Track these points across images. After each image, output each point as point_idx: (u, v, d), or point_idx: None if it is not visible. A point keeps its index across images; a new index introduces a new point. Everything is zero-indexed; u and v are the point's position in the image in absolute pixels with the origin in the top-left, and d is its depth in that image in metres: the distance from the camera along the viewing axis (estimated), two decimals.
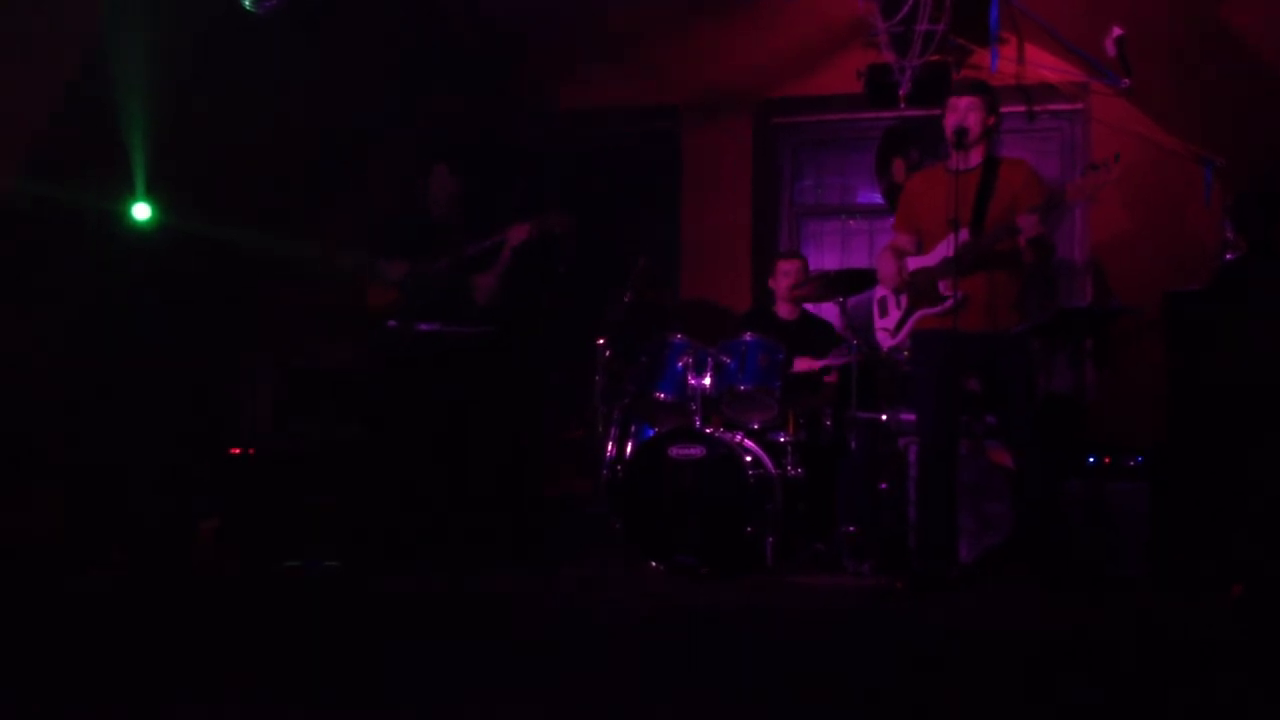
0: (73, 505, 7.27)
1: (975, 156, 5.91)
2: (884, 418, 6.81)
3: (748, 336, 6.98)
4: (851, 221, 8.76)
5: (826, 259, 8.61)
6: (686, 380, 6.89)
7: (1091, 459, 6.43)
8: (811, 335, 7.44)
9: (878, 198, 8.34)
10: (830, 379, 7.31)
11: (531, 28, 8.31)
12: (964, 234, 5.67)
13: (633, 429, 7.26)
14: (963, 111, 5.87)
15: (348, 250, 7.08)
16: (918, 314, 5.97)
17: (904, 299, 6.04)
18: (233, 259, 7.91)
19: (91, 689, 3.95)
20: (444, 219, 7.15)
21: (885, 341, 6.23)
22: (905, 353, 6.35)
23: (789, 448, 6.88)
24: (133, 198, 7.34)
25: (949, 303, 5.76)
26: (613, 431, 7.17)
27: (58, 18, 6.59)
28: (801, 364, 7.22)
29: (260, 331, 8.48)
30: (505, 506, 7.19)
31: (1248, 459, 5.79)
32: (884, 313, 6.21)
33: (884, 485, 6.73)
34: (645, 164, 8.90)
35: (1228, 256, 6.67)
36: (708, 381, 6.86)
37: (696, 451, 6.66)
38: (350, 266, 7.10)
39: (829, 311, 7.75)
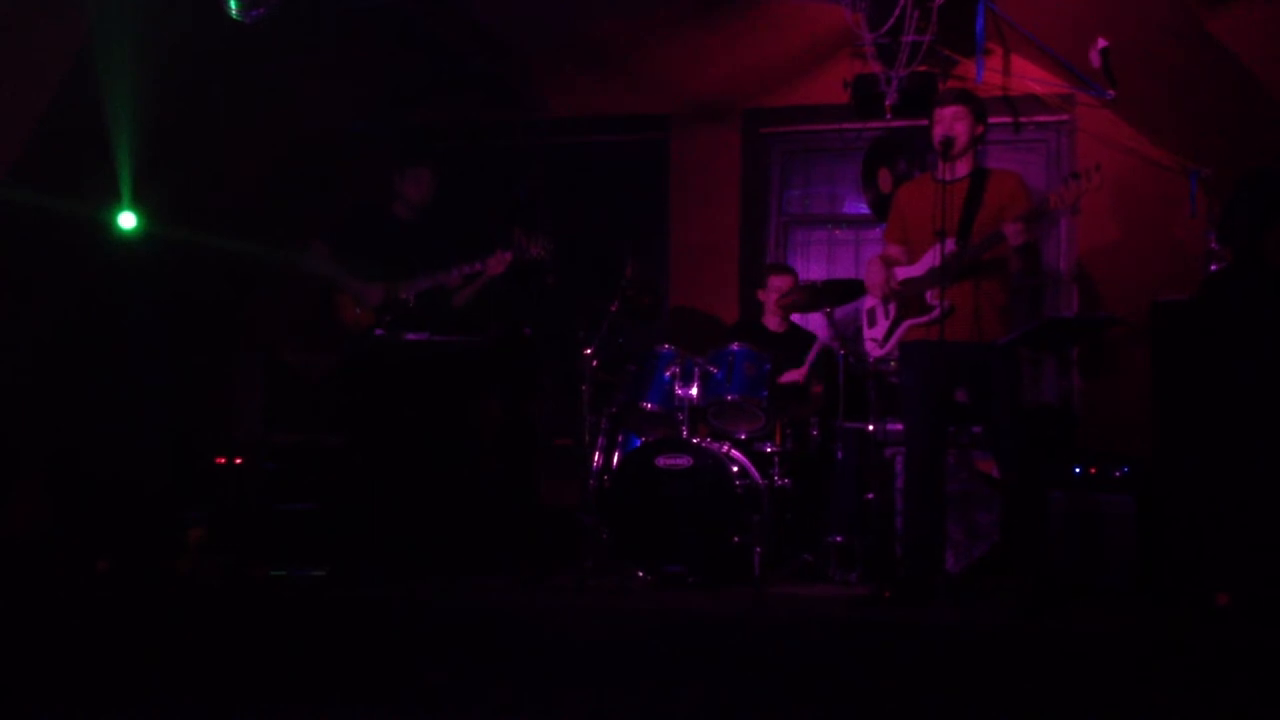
0: (59, 511, 7.25)
1: (963, 167, 5.92)
2: (870, 428, 6.82)
3: (735, 347, 6.97)
4: (838, 231, 8.76)
5: (813, 269, 8.61)
6: (674, 390, 6.89)
7: (1077, 469, 6.43)
8: (799, 347, 7.45)
9: (865, 208, 8.36)
10: (817, 389, 7.32)
11: (524, 34, 8.31)
12: (950, 244, 5.68)
13: (620, 438, 7.25)
14: (949, 121, 5.87)
15: (321, 262, 7.02)
16: (905, 324, 5.96)
17: (892, 309, 6.04)
18: (220, 265, 7.89)
19: (69, 696, 3.95)
20: (414, 222, 7.09)
21: (874, 352, 6.21)
22: (893, 363, 6.35)
23: (776, 458, 6.88)
24: (119, 206, 7.33)
25: (935, 313, 5.77)
26: (600, 441, 7.17)
27: (45, 26, 6.58)
28: (787, 377, 7.22)
29: (249, 337, 8.47)
30: (496, 514, 7.17)
31: (1235, 468, 5.79)
32: (872, 323, 6.20)
33: (871, 495, 6.73)
34: (636, 172, 8.90)
35: (1213, 267, 6.68)
36: (695, 391, 6.86)
37: (684, 461, 6.65)
38: (323, 279, 7.04)
39: (816, 322, 7.76)
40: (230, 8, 6.43)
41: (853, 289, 6.99)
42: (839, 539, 6.70)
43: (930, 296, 5.81)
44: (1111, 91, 7.32)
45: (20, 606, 5.58)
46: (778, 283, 7.58)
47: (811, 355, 7.29)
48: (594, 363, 7.00)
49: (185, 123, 7.39)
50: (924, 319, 5.85)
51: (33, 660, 4.46)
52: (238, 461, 7.42)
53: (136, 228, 7.37)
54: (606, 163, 8.97)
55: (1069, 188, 5.52)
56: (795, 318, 7.70)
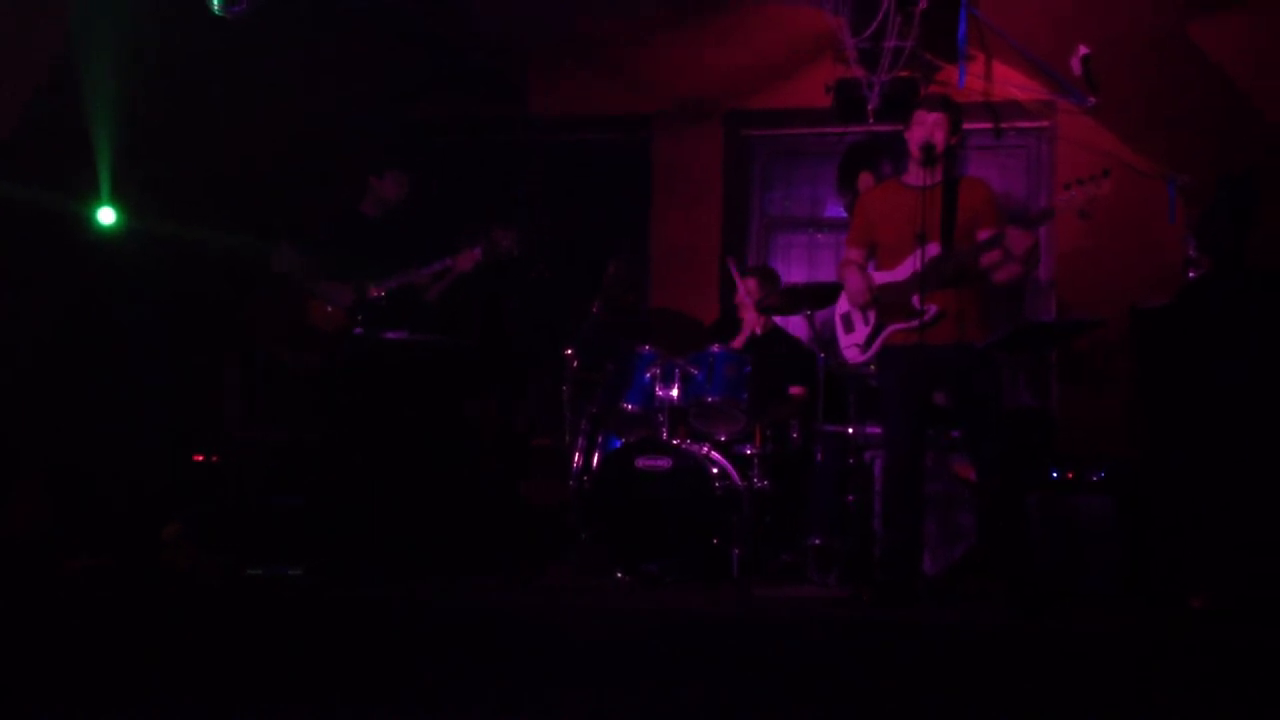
0: (59, 511, 7.19)
1: (937, 173, 5.92)
2: (850, 430, 6.83)
3: (715, 348, 6.99)
4: (819, 235, 8.79)
5: (794, 271, 8.63)
6: (654, 391, 6.89)
7: (1055, 473, 6.47)
8: (778, 349, 7.45)
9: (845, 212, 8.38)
10: (796, 391, 7.33)
11: (511, 34, 8.29)
12: (933, 248, 5.69)
13: (600, 439, 7.24)
14: (930, 127, 5.86)
15: (289, 263, 6.96)
16: (889, 329, 5.96)
17: (872, 314, 6.04)
18: (218, 263, 7.82)
19: (69, 696, 3.91)
20: (385, 220, 7.02)
21: (855, 357, 6.20)
22: (873, 366, 6.36)
23: (755, 460, 6.87)
24: (98, 201, 7.27)
25: (923, 317, 5.78)
26: (580, 441, 7.15)
27: (26, 22, 6.51)
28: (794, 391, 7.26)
29: (245, 336, 8.39)
30: (476, 514, 7.14)
31: (1218, 471, 5.84)
32: (849, 328, 6.19)
33: (850, 498, 6.74)
34: (620, 171, 8.90)
35: (1191, 274, 6.74)
36: (675, 393, 6.86)
37: (663, 463, 6.67)
38: (293, 278, 6.98)
39: (796, 325, 7.77)
40: (212, 4, 6.38)
41: (833, 292, 6.97)
42: (818, 541, 6.70)
43: (917, 301, 5.81)
44: (1092, 98, 7.39)
45: (20, 606, 5.53)
46: (745, 285, 7.61)
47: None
48: (574, 363, 6.99)
49: (183, 119, 7.33)
50: (909, 324, 5.85)
51: (33, 660, 4.41)
52: (214, 459, 7.36)
53: (116, 223, 7.31)
54: (591, 161, 8.98)
55: (1077, 192, 5.55)
56: (777, 320, 7.71)
